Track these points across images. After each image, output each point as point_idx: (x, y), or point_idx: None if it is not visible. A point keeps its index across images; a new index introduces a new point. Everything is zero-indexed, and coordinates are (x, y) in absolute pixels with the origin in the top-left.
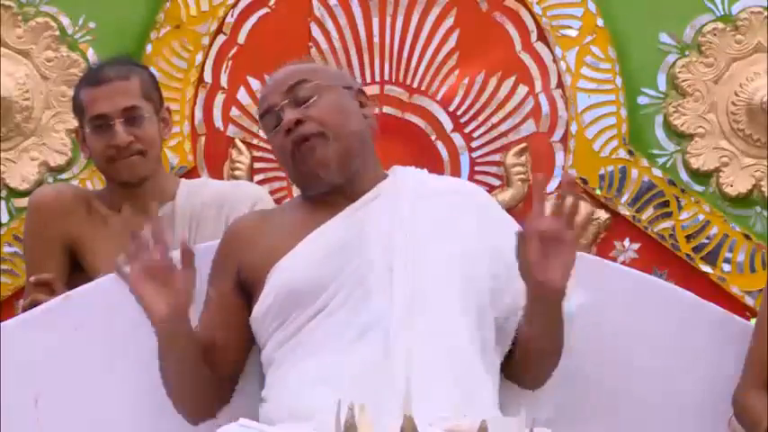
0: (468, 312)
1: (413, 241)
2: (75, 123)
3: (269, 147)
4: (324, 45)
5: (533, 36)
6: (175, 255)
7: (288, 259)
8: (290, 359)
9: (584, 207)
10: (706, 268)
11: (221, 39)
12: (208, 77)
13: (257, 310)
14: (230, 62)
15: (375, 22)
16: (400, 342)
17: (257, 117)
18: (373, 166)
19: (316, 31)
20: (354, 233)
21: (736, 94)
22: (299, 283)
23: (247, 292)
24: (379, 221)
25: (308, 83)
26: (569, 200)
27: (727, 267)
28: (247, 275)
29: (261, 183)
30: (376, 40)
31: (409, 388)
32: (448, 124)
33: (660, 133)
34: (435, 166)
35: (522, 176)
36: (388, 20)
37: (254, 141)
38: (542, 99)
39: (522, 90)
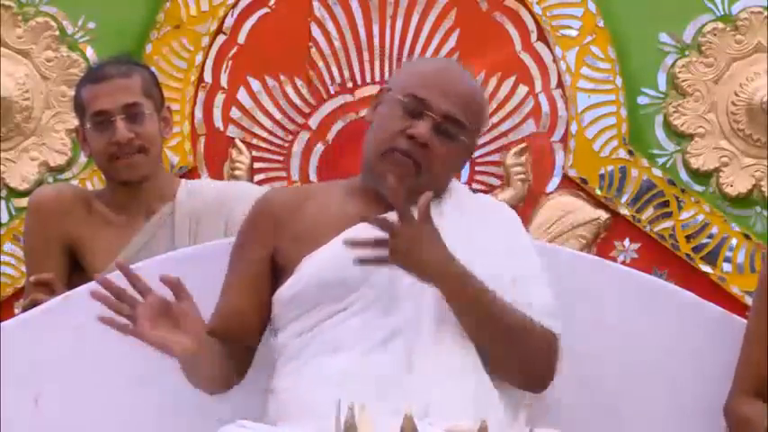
0: None
1: None
2: (75, 123)
3: (269, 147)
4: (324, 45)
5: (533, 36)
6: (177, 252)
7: (324, 251)
8: (306, 353)
9: (583, 209)
10: (706, 268)
11: (221, 39)
12: (208, 77)
13: (283, 292)
14: (230, 62)
15: (375, 22)
16: (423, 352)
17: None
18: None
19: (316, 31)
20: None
21: (736, 94)
22: (330, 277)
23: (277, 270)
24: None
25: (460, 128)
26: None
27: (727, 267)
28: (282, 256)
29: (261, 183)
30: (376, 40)
31: (428, 398)
32: None
33: (660, 133)
34: None
35: (522, 176)
36: (388, 20)
37: (254, 141)
38: (542, 99)
39: (522, 90)
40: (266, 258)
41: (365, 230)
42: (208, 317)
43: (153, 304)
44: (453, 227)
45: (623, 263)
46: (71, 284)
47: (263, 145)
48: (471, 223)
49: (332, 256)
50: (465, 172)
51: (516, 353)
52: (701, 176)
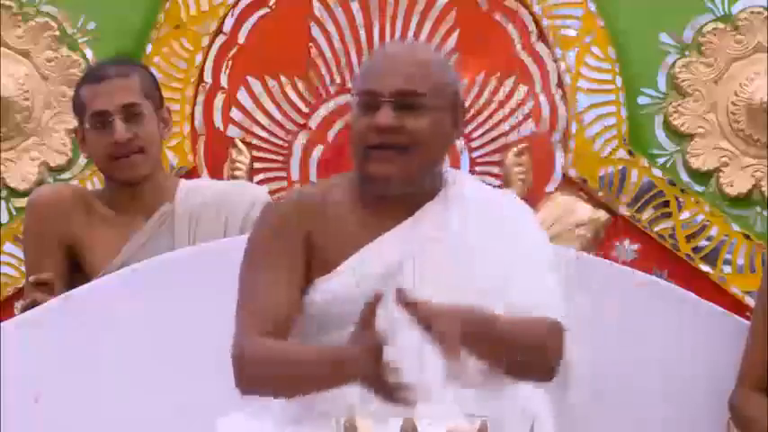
0: None
1: (451, 277)
2: (75, 123)
3: (269, 147)
4: (324, 45)
5: (533, 36)
6: (176, 252)
7: (340, 276)
8: None
9: (583, 209)
10: (706, 268)
11: (221, 39)
12: (208, 77)
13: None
14: (230, 62)
15: (375, 22)
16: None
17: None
18: (436, 176)
19: (316, 31)
20: (398, 258)
21: (736, 94)
22: (342, 304)
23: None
24: (425, 249)
25: (419, 97)
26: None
27: (727, 267)
28: (314, 258)
29: (261, 183)
30: (376, 40)
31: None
32: None
33: (660, 133)
34: None
35: (522, 176)
36: (389, 20)
37: (254, 141)
38: (542, 99)
39: (522, 90)
40: (302, 252)
41: (382, 253)
42: (207, 317)
43: None
44: (456, 221)
45: (623, 263)
46: (71, 284)
47: (263, 145)
48: (474, 219)
49: (347, 280)
50: (465, 172)
51: (520, 363)
52: (701, 176)
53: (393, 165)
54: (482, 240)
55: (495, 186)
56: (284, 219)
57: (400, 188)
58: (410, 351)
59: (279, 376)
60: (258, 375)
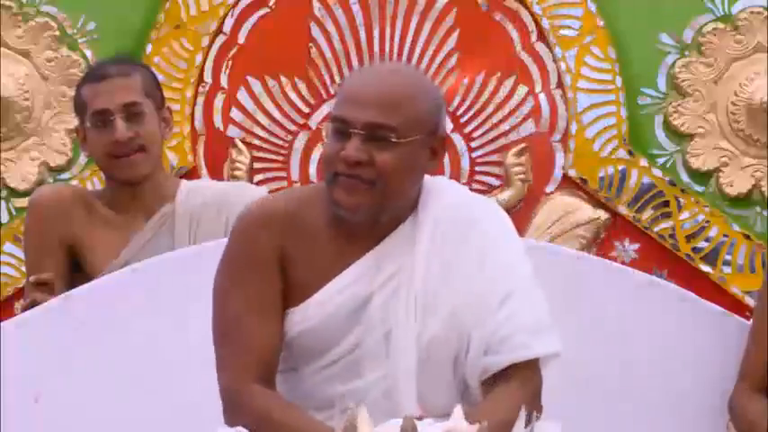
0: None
1: (421, 308)
2: (75, 123)
3: (269, 147)
4: (324, 45)
5: (533, 36)
6: (177, 252)
7: (313, 307)
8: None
9: (583, 209)
10: (706, 268)
11: (221, 39)
12: (208, 77)
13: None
14: (230, 62)
15: (375, 22)
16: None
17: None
18: (408, 200)
19: (316, 31)
20: (366, 292)
21: (736, 94)
22: (318, 334)
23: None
24: (391, 282)
25: (390, 131)
26: None
27: (726, 267)
28: (288, 282)
29: (261, 183)
30: (376, 40)
31: None
32: (448, 124)
33: (660, 133)
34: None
35: (522, 176)
36: (388, 20)
37: (254, 141)
38: (542, 99)
39: (522, 90)
40: (279, 274)
41: (349, 287)
42: (207, 317)
43: None
44: (428, 242)
45: (623, 263)
46: (71, 284)
47: (264, 145)
48: (448, 239)
49: (318, 312)
50: (465, 172)
51: None
52: (701, 176)
53: (358, 196)
54: (451, 268)
55: (494, 186)
56: (258, 238)
57: (366, 218)
58: (376, 384)
59: None
60: (248, 425)
